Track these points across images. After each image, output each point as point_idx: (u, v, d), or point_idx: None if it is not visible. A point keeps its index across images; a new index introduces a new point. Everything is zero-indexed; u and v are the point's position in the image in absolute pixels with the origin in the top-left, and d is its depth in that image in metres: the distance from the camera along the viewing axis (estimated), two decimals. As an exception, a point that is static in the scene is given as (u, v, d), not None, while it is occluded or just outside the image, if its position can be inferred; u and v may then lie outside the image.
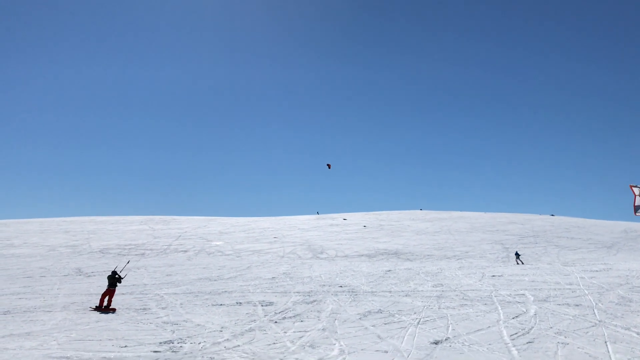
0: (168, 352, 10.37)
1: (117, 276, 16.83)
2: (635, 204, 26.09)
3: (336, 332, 11.98)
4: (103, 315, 15.28)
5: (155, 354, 10.28)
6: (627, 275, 22.65)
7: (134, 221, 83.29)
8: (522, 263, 35.40)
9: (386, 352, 9.91)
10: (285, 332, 12.15)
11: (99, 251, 50.06)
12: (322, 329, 12.41)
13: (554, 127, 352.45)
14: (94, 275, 29.23)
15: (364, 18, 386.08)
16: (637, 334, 11.07)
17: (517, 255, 38.19)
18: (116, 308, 16.35)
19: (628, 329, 11.63)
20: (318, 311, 15.32)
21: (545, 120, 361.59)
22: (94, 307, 16.27)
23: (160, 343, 11.16)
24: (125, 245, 54.25)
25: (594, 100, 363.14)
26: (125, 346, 10.78)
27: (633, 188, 27.23)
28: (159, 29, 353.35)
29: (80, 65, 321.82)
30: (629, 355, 9.20)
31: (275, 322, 13.70)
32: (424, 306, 15.87)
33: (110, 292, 16.40)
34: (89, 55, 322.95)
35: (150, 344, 11.12)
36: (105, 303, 16.17)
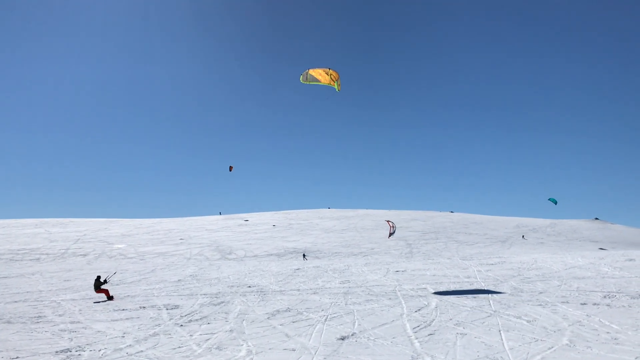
0: (65, 362, 9.82)
1: (102, 281, 19.65)
2: (390, 232, 41.88)
3: (244, 333, 11.89)
4: (-9, 326, 14.22)
5: (50, 364, 9.70)
6: (519, 268, 24.27)
7: (28, 224, 78.30)
8: (307, 259, 43.48)
9: (294, 350, 9.97)
10: (191, 335, 11.89)
11: (-12, 257, 46.60)
12: (230, 330, 12.27)
13: (453, 127, 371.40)
14: (-19, 284, 27.16)
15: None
16: (527, 321, 11.89)
17: (304, 255, 48.16)
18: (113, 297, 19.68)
19: (519, 317, 12.47)
20: (226, 312, 15.14)
21: (445, 121, 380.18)
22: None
23: (57, 352, 10.54)
24: (18, 250, 50.86)
25: (492, 102, 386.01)
26: (17, 357, 10.07)
27: (389, 222, 41.57)
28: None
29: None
30: (519, 342, 9.86)
31: (181, 325, 13.37)
32: (332, 303, 16.14)
33: (101, 292, 19.43)
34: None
35: (45, 353, 10.47)
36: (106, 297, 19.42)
